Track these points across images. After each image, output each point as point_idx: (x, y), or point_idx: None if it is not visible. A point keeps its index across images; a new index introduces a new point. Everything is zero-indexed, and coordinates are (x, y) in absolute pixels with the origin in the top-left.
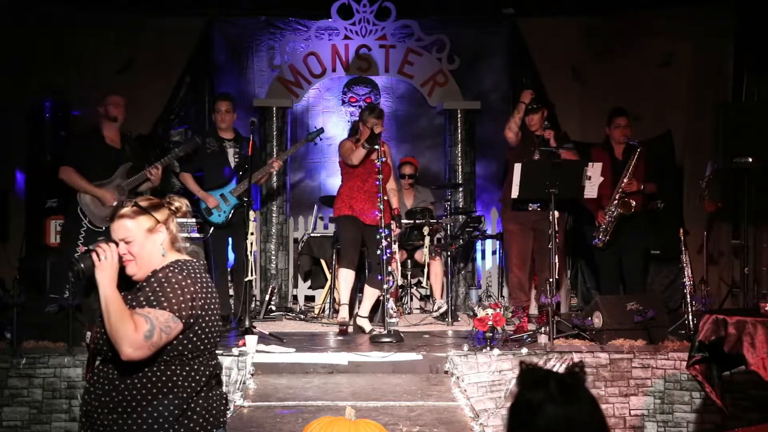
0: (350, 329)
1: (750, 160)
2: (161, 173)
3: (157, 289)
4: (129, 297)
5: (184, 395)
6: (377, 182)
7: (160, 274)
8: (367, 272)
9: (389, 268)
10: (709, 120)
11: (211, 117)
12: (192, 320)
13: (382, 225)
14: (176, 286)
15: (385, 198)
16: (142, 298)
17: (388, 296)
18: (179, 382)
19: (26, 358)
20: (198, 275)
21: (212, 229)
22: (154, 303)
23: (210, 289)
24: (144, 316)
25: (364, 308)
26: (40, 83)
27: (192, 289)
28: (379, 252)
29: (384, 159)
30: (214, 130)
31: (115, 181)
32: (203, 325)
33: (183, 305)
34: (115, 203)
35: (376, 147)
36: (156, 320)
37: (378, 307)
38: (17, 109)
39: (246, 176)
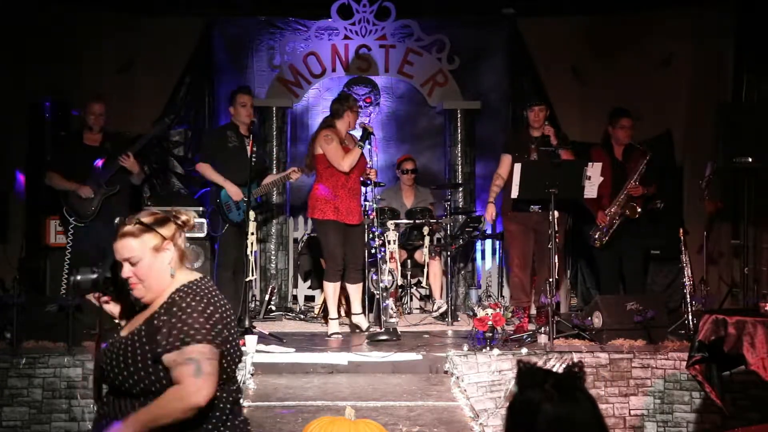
0: (341, 338)
1: (750, 160)
2: (134, 160)
3: (181, 323)
4: (143, 331)
5: (209, 427)
6: (368, 182)
7: (175, 308)
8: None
9: (389, 267)
10: (709, 120)
11: (211, 117)
12: (221, 343)
13: (376, 224)
14: (202, 312)
15: (379, 197)
16: (167, 341)
17: (384, 294)
18: (206, 414)
19: (26, 358)
20: (213, 296)
21: (226, 226)
22: (187, 340)
23: (226, 308)
24: (183, 360)
25: (356, 306)
26: (40, 83)
27: (217, 314)
28: (374, 251)
29: (375, 158)
30: (234, 125)
31: (93, 176)
32: (228, 347)
33: (214, 331)
34: (91, 196)
35: (369, 146)
36: (199, 354)
37: (365, 303)
38: (17, 109)
39: (263, 177)
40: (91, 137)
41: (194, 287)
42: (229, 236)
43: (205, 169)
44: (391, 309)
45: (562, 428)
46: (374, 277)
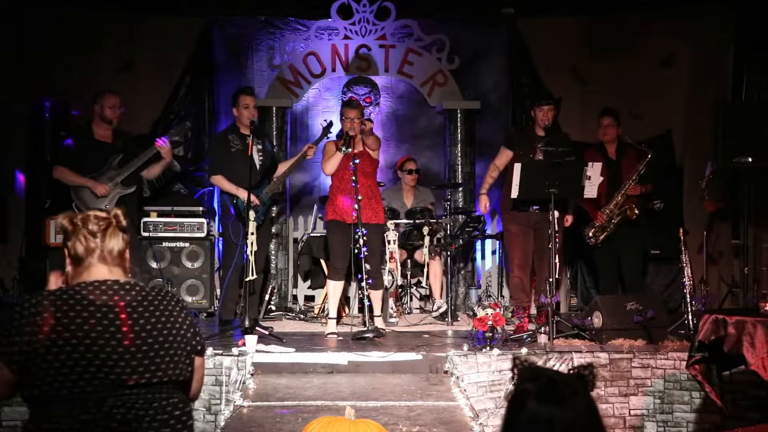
0: (338, 338)
1: (750, 160)
2: (170, 147)
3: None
4: None
5: None
6: (353, 184)
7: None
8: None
9: (389, 267)
10: (709, 120)
11: (211, 117)
12: (20, 359)
13: (360, 225)
14: (8, 316)
15: (360, 198)
16: None
17: (367, 293)
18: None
19: None
20: (59, 307)
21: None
22: None
23: (84, 326)
24: None
25: (375, 309)
26: (40, 83)
27: (24, 322)
28: (356, 251)
29: (358, 161)
30: (236, 127)
31: (107, 173)
32: (46, 366)
33: (3, 340)
34: (106, 193)
35: (349, 150)
36: None
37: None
38: (17, 109)
39: (276, 175)
40: (103, 133)
41: (51, 292)
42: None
43: (219, 181)
44: (392, 309)
45: (540, 428)
46: (359, 277)
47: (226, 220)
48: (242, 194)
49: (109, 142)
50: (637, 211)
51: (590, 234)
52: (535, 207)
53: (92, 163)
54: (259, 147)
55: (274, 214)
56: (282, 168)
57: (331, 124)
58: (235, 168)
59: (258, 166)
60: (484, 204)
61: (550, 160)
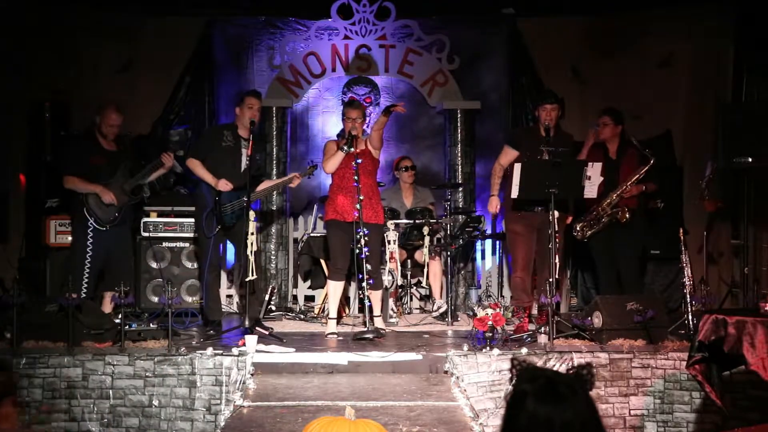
0: (338, 338)
1: (750, 160)
2: (174, 161)
3: None
4: None
5: None
6: (354, 184)
7: None
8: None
9: (389, 267)
10: (709, 120)
11: (211, 117)
12: None
13: (361, 224)
14: None
15: (361, 198)
16: None
17: (367, 294)
18: None
19: (26, 358)
20: None
21: (218, 228)
22: None
23: None
24: None
25: (375, 309)
26: (40, 83)
27: None
28: (357, 251)
29: (360, 161)
30: (235, 126)
31: (118, 182)
32: None
33: None
34: (113, 203)
35: (352, 149)
36: None
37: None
38: (17, 109)
39: (256, 184)
40: (106, 142)
41: None
42: (217, 238)
43: (195, 165)
44: (392, 309)
45: (539, 428)
46: (359, 277)
47: (200, 213)
48: (223, 186)
49: (114, 149)
50: (627, 215)
51: (578, 227)
52: (539, 207)
53: (102, 171)
54: (252, 152)
55: (259, 225)
56: (264, 185)
57: (315, 167)
58: (219, 161)
59: (242, 168)
60: (494, 205)
61: (552, 160)
